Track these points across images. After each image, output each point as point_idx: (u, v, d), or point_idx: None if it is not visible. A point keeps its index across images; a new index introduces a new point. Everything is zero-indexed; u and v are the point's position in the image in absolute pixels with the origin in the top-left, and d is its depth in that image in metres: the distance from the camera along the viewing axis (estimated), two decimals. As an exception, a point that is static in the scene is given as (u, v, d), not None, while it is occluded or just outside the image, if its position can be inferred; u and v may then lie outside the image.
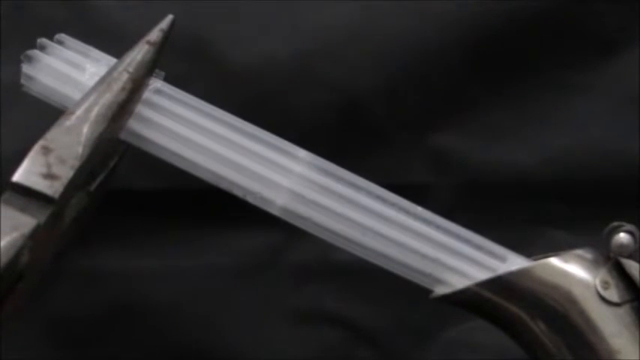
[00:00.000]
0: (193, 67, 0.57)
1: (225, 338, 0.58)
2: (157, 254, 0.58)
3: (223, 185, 0.44)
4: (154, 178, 0.57)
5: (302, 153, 0.45)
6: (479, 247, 0.44)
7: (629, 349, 0.41)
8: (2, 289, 0.37)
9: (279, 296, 0.59)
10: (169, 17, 0.45)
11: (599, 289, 0.42)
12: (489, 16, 0.59)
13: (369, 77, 0.58)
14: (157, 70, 0.45)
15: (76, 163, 0.39)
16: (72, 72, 0.45)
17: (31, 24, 0.57)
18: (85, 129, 0.40)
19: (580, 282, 0.42)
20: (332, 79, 0.58)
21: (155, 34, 0.44)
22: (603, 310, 0.41)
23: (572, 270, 0.42)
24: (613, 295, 0.42)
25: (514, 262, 0.43)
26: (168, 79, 0.46)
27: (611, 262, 0.42)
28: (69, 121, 0.40)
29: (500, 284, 0.42)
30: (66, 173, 0.39)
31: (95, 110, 0.41)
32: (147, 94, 0.45)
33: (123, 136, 0.44)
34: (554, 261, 0.43)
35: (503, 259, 0.43)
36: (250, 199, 0.44)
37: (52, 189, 0.38)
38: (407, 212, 0.44)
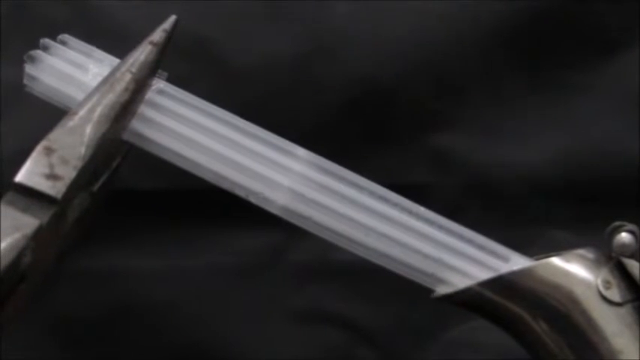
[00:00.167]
0: (194, 67, 0.57)
1: (226, 338, 0.58)
2: (158, 254, 0.58)
3: (225, 185, 0.44)
4: (154, 179, 0.57)
5: (301, 152, 0.45)
6: (481, 247, 0.44)
7: (630, 349, 0.41)
8: (4, 290, 0.37)
9: (279, 296, 0.59)
10: (172, 18, 0.45)
11: (601, 288, 0.42)
12: (489, 16, 0.59)
13: (370, 77, 0.58)
14: (159, 71, 0.45)
15: (79, 164, 0.39)
16: (75, 72, 0.45)
17: (31, 24, 0.57)
18: (88, 129, 0.40)
19: (582, 282, 0.42)
20: (333, 79, 0.58)
21: (158, 35, 0.44)
22: (605, 309, 0.41)
23: (574, 270, 0.42)
24: (615, 294, 0.42)
25: (517, 262, 0.43)
26: (169, 80, 0.46)
27: (613, 261, 0.42)
28: (72, 122, 0.40)
29: (502, 284, 0.42)
30: (69, 174, 0.39)
31: (98, 111, 0.41)
32: (150, 95, 0.45)
33: (126, 136, 0.44)
34: (556, 261, 0.43)
35: (505, 259, 0.43)
36: (253, 199, 0.44)
37: (54, 189, 0.38)
38: (409, 212, 0.44)
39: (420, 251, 0.43)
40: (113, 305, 0.58)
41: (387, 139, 0.59)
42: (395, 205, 0.44)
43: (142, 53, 0.43)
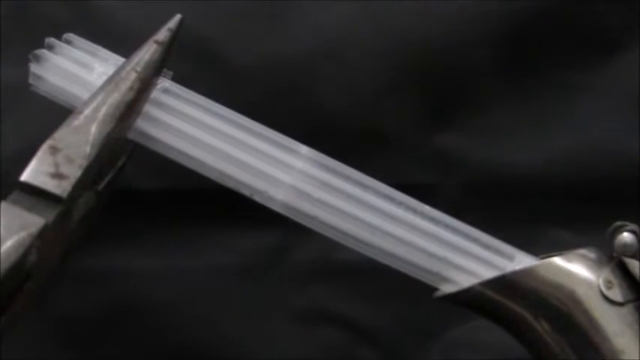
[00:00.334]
0: (197, 67, 0.57)
1: (228, 338, 0.58)
2: (160, 254, 0.58)
3: (231, 184, 0.44)
4: (156, 178, 0.57)
5: (304, 149, 0.45)
6: (486, 246, 0.44)
7: (632, 349, 0.41)
8: (10, 288, 0.37)
9: (281, 296, 0.59)
10: (177, 17, 0.45)
11: (603, 288, 0.42)
12: (490, 16, 0.59)
13: (372, 77, 0.59)
14: (164, 70, 0.45)
15: (84, 163, 0.39)
16: (80, 71, 0.45)
17: (32, 24, 0.57)
18: (93, 128, 0.40)
19: (583, 281, 0.42)
20: (336, 79, 0.58)
21: (163, 34, 0.44)
22: (606, 309, 0.41)
23: (576, 269, 0.42)
24: (616, 294, 0.42)
25: (522, 261, 0.43)
26: (172, 79, 0.46)
27: (615, 261, 0.43)
28: (77, 121, 0.40)
29: (504, 284, 0.42)
30: (74, 173, 0.39)
31: (103, 110, 0.41)
32: (155, 94, 0.45)
33: (131, 135, 0.44)
34: (558, 260, 0.43)
35: (510, 258, 0.44)
36: (257, 198, 0.44)
37: (60, 188, 0.38)
38: (414, 211, 0.44)
39: (425, 250, 0.43)
40: (114, 305, 0.58)
41: (388, 139, 0.59)
42: (400, 203, 0.44)
43: (147, 52, 0.43)
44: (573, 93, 0.60)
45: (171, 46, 0.44)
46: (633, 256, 0.42)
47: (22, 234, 0.36)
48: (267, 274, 0.59)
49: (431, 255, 0.43)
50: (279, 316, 0.59)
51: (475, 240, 0.44)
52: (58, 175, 0.38)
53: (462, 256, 0.44)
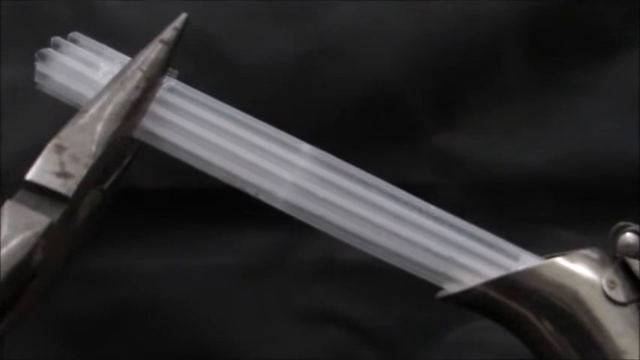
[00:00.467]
0: (199, 66, 0.57)
1: (230, 338, 0.58)
2: (162, 254, 0.58)
3: (236, 183, 0.44)
4: (158, 178, 0.57)
5: (305, 147, 0.45)
6: (491, 246, 0.44)
7: (635, 349, 0.41)
8: (16, 287, 0.37)
9: (283, 296, 0.59)
10: (183, 16, 0.45)
11: (606, 288, 0.42)
12: (490, 16, 0.59)
13: (374, 77, 0.59)
14: (170, 69, 0.45)
15: (90, 162, 0.39)
16: (86, 70, 0.45)
17: (35, 23, 0.57)
18: (99, 127, 0.40)
19: (586, 282, 0.42)
20: (338, 79, 0.58)
21: (169, 33, 0.44)
22: (609, 309, 0.41)
23: (579, 270, 0.42)
24: (619, 294, 0.42)
25: (527, 261, 0.43)
26: (177, 78, 0.46)
27: (618, 261, 0.43)
28: (83, 120, 0.40)
29: (507, 284, 0.42)
30: (79, 172, 0.39)
31: (109, 109, 0.41)
32: (160, 93, 0.45)
33: (136, 134, 0.44)
34: (561, 261, 0.42)
35: (515, 258, 0.43)
36: (262, 197, 0.44)
37: (65, 187, 0.38)
38: (420, 211, 0.44)
39: (431, 250, 0.43)
40: (115, 305, 0.58)
41: (389, 139, 0.59)
42: (405, 203, 0.44)
43: (153, 51, 0.43)
44: (574, 93, 0.60)
45: (177, 45, 0.44)
46: (636, 257, 0.42)
47: (28, 233, 0.36)
48: (270, 273, 0.59)
49: (436, 255, 0.43)
50: (281, 316, 0.59)
51: (480, 240, 0.44)
52: (63, 174, 0.38)
53: (467, 256, 0.43)
